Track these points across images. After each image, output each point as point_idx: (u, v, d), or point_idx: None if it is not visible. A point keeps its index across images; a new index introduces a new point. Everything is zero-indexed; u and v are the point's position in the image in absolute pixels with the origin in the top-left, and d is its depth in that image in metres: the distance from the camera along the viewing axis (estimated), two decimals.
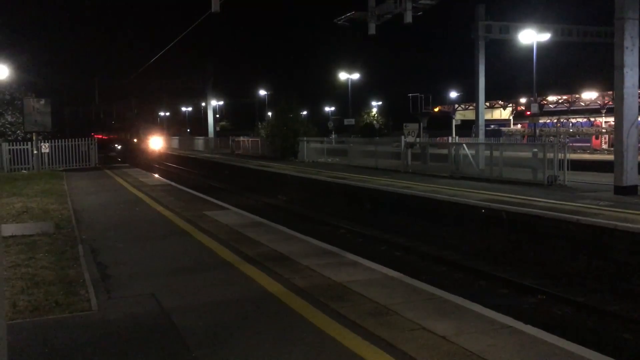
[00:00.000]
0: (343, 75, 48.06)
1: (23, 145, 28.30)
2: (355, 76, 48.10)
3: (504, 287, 10.75)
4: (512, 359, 4.81)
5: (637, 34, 16.90)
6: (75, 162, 30.38)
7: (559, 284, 10.76)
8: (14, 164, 28.03)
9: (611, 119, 38.06)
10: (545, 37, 29.74)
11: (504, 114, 63.29)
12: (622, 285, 10.41)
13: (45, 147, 28.74)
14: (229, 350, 5.11)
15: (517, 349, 5.00)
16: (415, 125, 28.91)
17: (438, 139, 39.33)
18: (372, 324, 5.66)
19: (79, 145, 30.62)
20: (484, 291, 10.46)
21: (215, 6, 17.66)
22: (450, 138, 42.17)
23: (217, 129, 66.18)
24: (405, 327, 5.57)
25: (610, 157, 19.19)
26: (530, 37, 29.11)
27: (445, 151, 23.64)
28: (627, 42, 16.38)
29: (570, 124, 54.06)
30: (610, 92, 40.18)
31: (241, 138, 47.96)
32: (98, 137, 57.08)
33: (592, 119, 52.23)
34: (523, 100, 53.27)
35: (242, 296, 6.76)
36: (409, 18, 20.08)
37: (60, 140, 29.98)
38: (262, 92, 67.27)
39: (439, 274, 11.53)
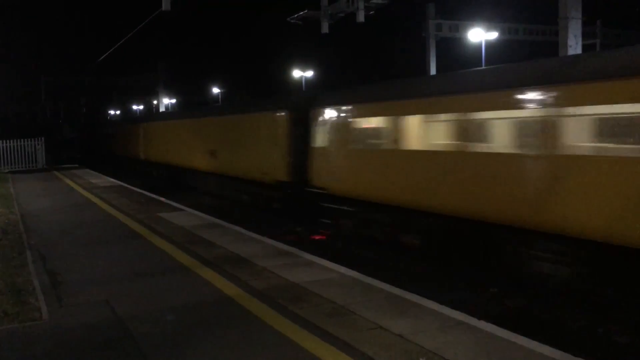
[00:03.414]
0: (297, 73, 48.03)
1: None
2: (309, 74, 48.14)
3: (460, 280, 10.94)
4: (467, 354, 4.93)
5: (580, 32, 17.55)
6: (22, 164, 29.39)
7: None
8: None
9: None
10: (493, 35, 30.48)
11: None
12: None
13: None
14: (188, 358, 5.06)
15: (471, 345, 5.13)
16: None
17: None
18: (331, 325, 5.70)
19: (24, 145, 29.62)
20: (440, 286, 10.63)
21: (165, 4, 17.37)
22: None
23: None
24: (363, 327, 5.64)
25: None
26: (479, 35, 29.78)
27: None
28: (571, 41, 16.98)
29: None
30: None
31: None
32: None
33: None
34: None
35: (199, 300, 6.69)
36: (361, 17, 20.25)
37: (5, 141, 28.91)
38: (216, 90, 66.60)
39: (397, 270, 11.66)
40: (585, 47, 23.59)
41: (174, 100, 66.82)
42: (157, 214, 13.35)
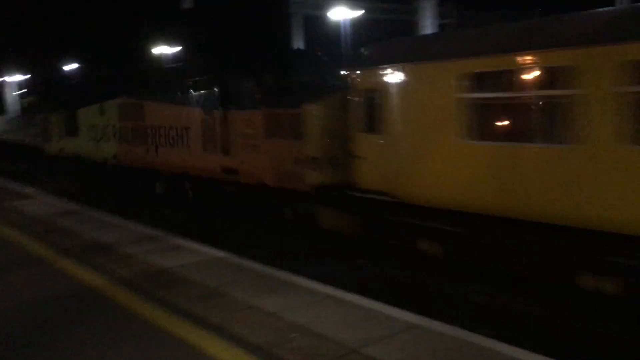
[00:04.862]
0: (158, 50, 45.85)
1: None
2: (171, 50, 46.16)
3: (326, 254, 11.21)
4: (336, 326, 5.11)
5: (435, 14, 18.65)
6: None
7: None
8: None
9: None
10: (356, 13, 31.17)
11: None
12: None
13: None
14: (53, 352, 4.79)
15: (340, 318, 5.32)
16: None
17: None
18: (202, 309, 5.64)
19: None
20: (309, 260, 10.85)
21: None
22: None
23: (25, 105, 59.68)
24: (235, 308, 5.64)
25: None
26: (343, 13, 30.33)
27: None
28: (426, 21, 17.98)
29: None
30: None
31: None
32: None
33: None
34: None
35: (62, 293, 6.32)
36: None
37: None
38: (76, 65, 61.77)
39: (268, 247, 11.72)
40: (441, 27, 25.06)
41: (22, 77, 61.34)
42: (8, 202, 12.30)
